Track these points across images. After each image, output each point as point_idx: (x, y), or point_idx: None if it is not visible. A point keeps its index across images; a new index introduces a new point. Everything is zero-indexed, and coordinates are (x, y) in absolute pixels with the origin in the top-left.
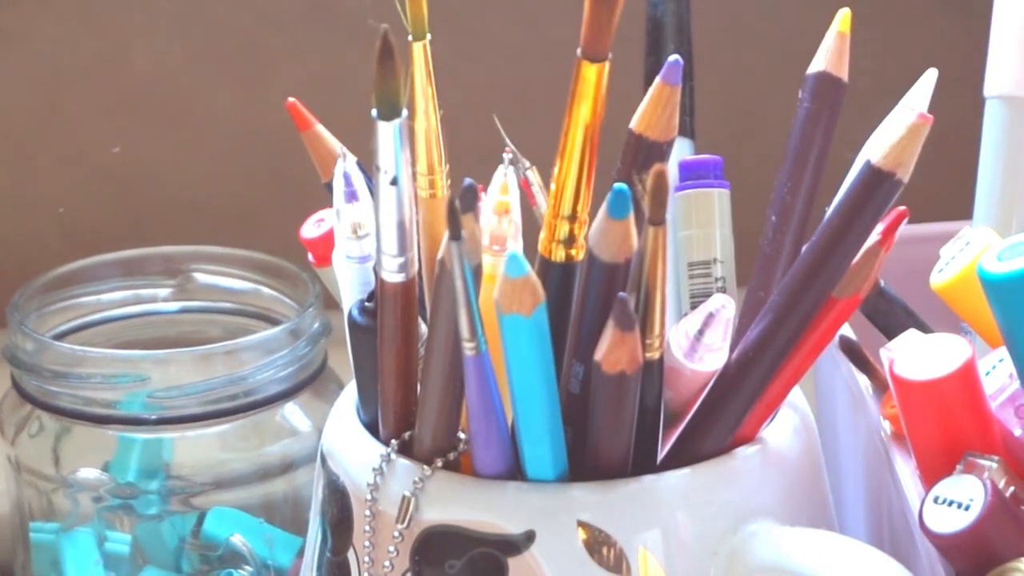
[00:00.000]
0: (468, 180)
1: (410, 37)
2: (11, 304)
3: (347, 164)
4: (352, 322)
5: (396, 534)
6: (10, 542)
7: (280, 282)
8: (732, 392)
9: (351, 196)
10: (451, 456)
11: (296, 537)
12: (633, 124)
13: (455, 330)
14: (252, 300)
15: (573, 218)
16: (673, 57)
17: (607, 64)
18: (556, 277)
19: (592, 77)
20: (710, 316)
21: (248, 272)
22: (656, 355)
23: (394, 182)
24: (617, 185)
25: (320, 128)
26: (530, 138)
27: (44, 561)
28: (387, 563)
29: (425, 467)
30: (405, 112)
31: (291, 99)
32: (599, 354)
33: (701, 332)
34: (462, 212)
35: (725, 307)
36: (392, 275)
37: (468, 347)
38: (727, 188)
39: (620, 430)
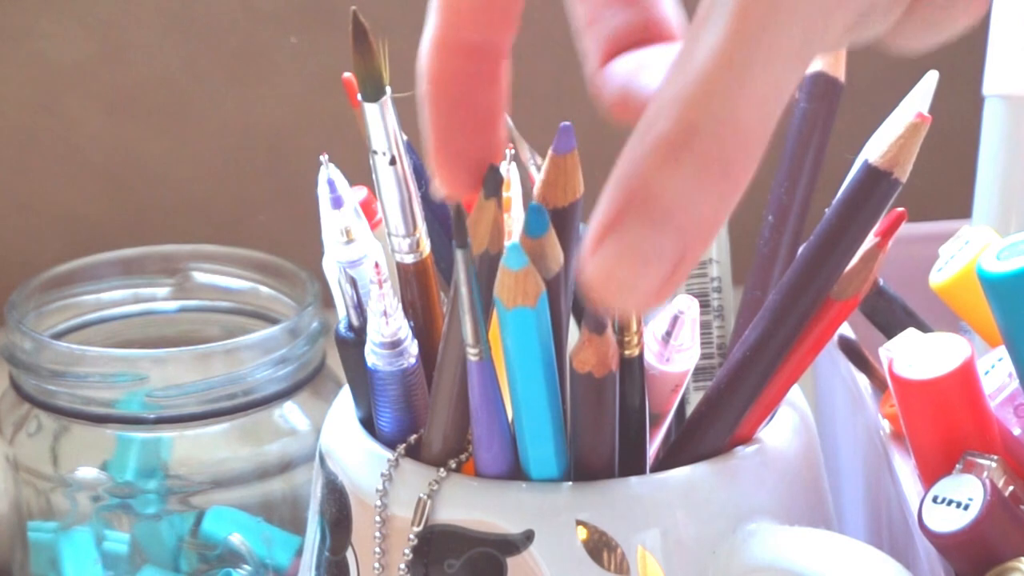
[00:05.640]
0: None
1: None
2: (9, 303)
3: (330, 170)
4: (339, 339)
5: (411, 536)
6: (8, 541)
7: (278, 281)
8: (731, 392)
9: (337, 202)
10: (463, 458)
11: (295, 536)
12: (536, 195)
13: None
14: (250, 299)
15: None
16: (564, 124)
17: None
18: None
19: None
20: (676, 317)
21: (246, 271)
22: (635, 352)
23: (392, 161)
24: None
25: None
26: (530, 137)
27: (42, 560)
28: (402, 566)
29: (441, 469)
30: (389, 89)
31: (346, 75)
32: (571, 351)
33: (669, 334)
34: (486, 197)
35: (691, 307)
36: (405, 256)
37: (472, 353)
38: None
39: (600, 430)
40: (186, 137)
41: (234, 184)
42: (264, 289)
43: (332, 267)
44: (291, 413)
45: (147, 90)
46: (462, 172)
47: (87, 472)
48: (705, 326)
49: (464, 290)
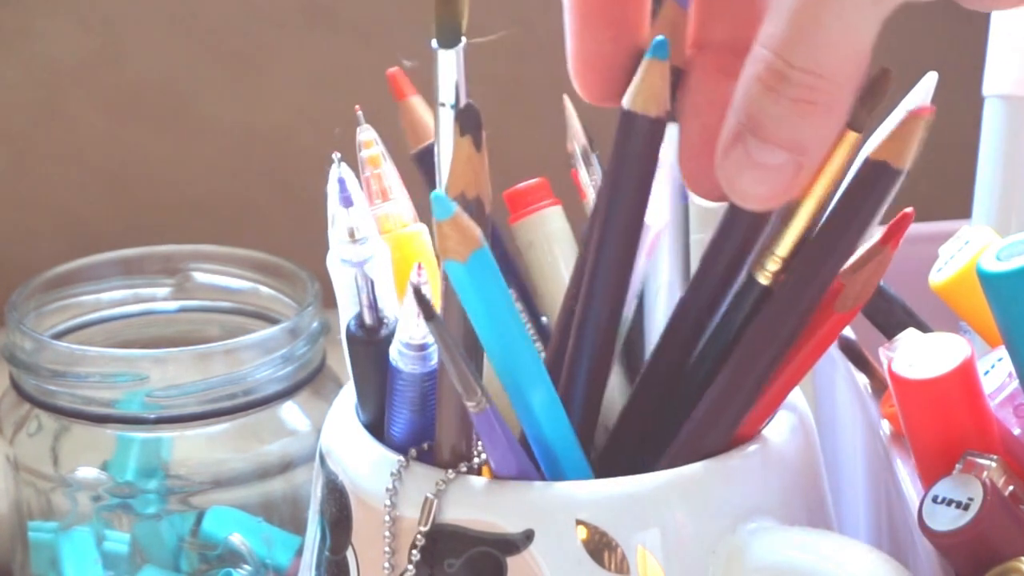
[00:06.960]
0: (467, 100)
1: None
2: (10, 303)
3: (341, 168)
4: (350, 336)
5: (418, 537)
6: (9, 541)
7: (279, 281)
8: (732, 391)
9: (347, 201)
10: (475, 463)
11: (295, 536)
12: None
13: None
14: (251, 299)
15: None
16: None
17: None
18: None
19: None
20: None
21: (247, 271)
22: (764, 279)
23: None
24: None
25: (416, 99)
26: (530, 136)
27: (43, 560)
28: (410, 567)
29: (449, 471)
30: (464, 39)
31: (392, 69)
32: None
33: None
34: (461, 134)
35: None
36: None
37: (471, 406)
38: None
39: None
40: (186, 137)
41: (234, 184)
42: (264, 289)
43: (336, 264)
44: (291, 413)
45: (147, 90)
46: (599, 77)
47: (87, 472)
48: None
49: (447, 356)
